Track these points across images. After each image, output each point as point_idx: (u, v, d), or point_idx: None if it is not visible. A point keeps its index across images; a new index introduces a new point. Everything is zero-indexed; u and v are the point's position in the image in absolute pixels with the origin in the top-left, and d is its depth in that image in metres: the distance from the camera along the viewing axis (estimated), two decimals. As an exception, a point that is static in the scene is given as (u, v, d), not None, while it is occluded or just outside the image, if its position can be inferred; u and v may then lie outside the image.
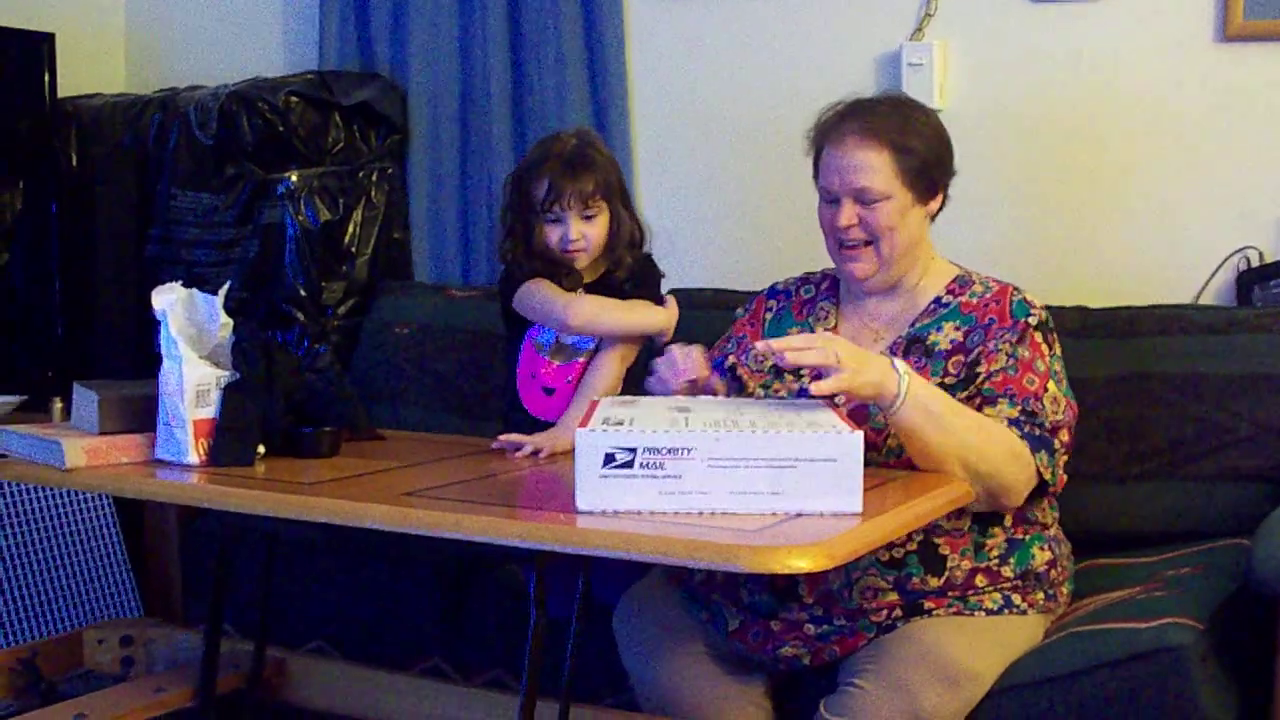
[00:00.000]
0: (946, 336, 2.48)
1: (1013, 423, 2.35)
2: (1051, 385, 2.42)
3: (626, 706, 2.56)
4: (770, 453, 1.93)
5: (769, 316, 2.68)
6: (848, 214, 2.48)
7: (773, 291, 2.73)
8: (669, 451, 1.92)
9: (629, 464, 1.92)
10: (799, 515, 1.92)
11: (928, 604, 2.37)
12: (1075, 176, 3.25)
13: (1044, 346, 2.45)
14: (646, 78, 3.75)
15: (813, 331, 2.58)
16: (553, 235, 2.69)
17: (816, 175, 2.57)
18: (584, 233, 2.68)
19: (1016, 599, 2.41)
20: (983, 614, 2.38)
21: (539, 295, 2.70)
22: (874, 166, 2.46)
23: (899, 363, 2.26)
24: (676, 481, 1.92)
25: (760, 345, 2.20)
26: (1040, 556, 2.45)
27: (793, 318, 2.65)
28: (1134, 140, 3.19)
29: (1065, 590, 2.52)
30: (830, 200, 2.52)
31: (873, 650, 2.34)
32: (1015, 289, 2.52)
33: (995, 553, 2.41)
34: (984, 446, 2.29)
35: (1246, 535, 2.34)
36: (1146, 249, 3.19)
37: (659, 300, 2.76)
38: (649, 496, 1.93)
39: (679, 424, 1.97)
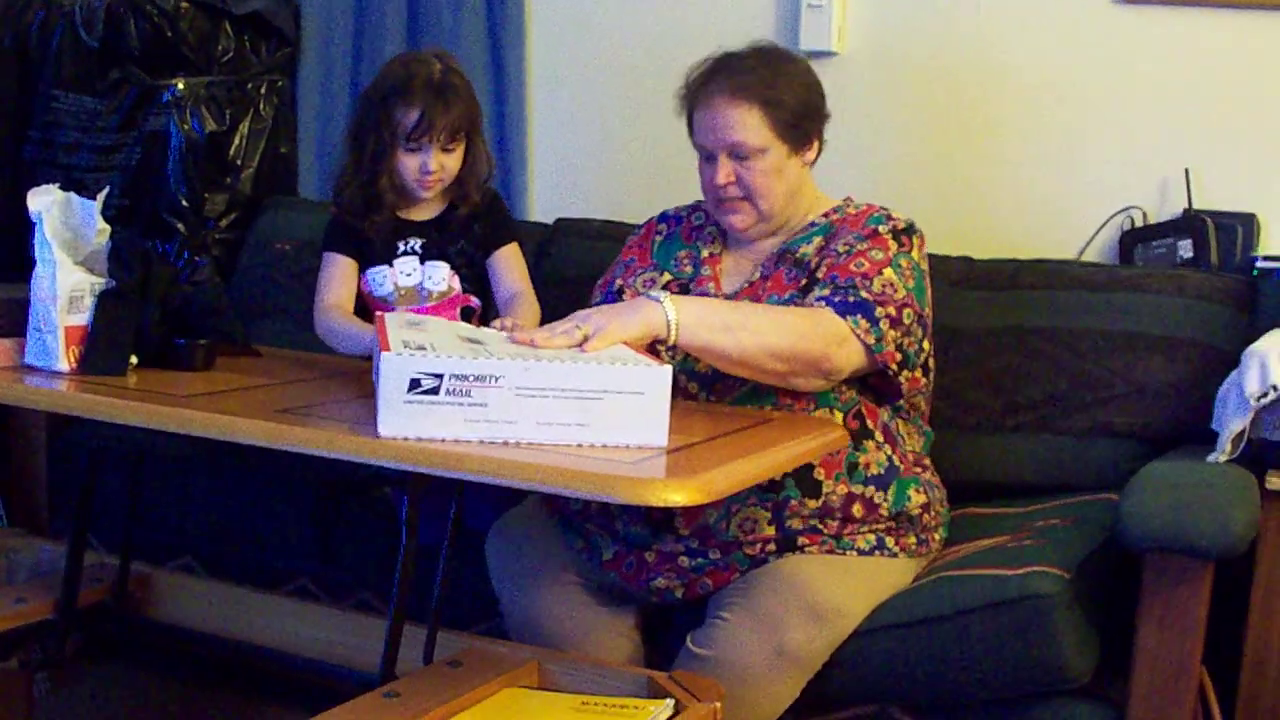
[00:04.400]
0: (814, 247, 2.50)
1: (821, 299, 2.36)
2: (888, 272, 2.40)
3: (495, 633, 2.56)
4: (578, 384, 1.90)
5: (658, 240, 2.69)
6: (725, 171, 2.49)
7: (663, 216, 2.74)
8: (476, 379, 1.87)
9: (435, 390, 1.87)
10: (604, 446, 1.90)
11: (801, 540, 2.38)
12: (967, 127, 3.27)
13: (892, 244, 2.45)
14: (544, 4, 3.71)
15: (699, 255, 2.60)
16: (411, 164, 2.66)
17: (692, 134, 2.57)
18: (443, 164, 2.67)
19: (889, 541, 2.43)
20: (854, 554, 2.40)
21: (320, 276, 2.76)
22: (745, 122, 2.46)
23: (660, 295, 2.22)
24: (482, 410, 1.88)
25: (520, 335, 2.09)
26: (915, 499, 2.47)
27: (681, 241, 2.66)
28: (1027, 95, 3.21)
29: (938, 536, 2.54)
30: (708, 158, 2.53)
31: (742, 584, 2.35)
32: (883, 208, 2.54)
33: (872, 471, 2.42)
34: (777, 324, 2.28)
35: (1116, 490, 2.37)
36: (1033, 203, 3.22)
37: (513, 237, 2.78)
38: (454, 424, 1.88)
39: (480, 353, 1.93)
